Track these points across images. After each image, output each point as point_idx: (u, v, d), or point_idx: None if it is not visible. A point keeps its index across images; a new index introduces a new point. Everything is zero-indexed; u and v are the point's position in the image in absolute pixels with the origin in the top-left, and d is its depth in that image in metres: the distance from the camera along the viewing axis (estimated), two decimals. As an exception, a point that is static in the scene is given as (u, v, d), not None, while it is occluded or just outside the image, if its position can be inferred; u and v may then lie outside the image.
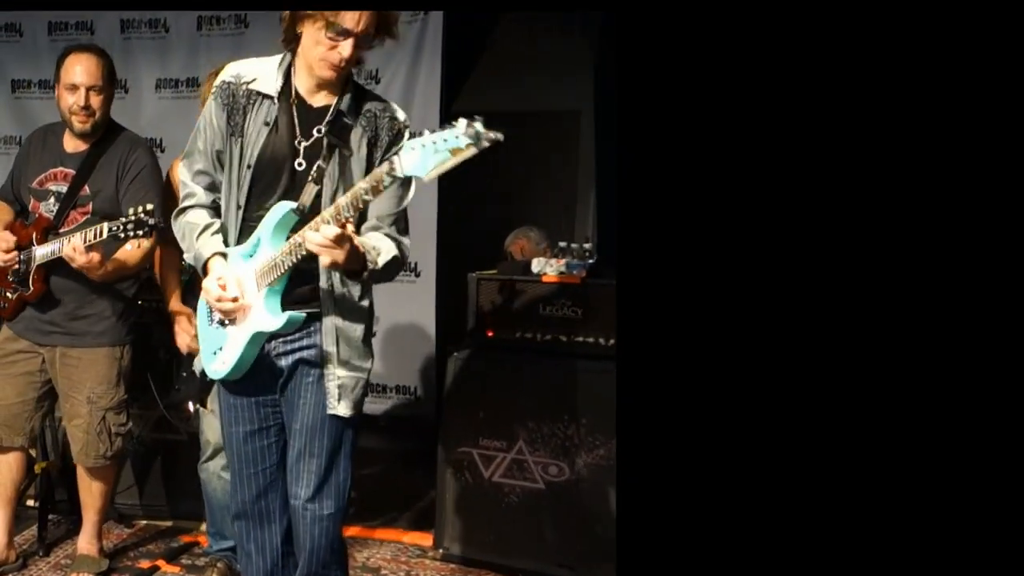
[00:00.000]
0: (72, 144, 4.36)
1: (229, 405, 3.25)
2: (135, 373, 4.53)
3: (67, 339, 4.34)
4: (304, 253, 2.90)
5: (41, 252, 4.19)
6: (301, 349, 3.15)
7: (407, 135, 2.94)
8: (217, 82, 3.21)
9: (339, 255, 2.85)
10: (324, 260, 2.88)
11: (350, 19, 2.95)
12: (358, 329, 3.16)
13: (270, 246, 3.05)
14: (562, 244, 4.90)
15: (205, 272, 3.15)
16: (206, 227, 3.22)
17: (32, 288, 4.27)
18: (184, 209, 3.30)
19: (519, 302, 4.78)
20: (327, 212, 2.86)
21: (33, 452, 4.71)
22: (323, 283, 3.09)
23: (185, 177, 3.27)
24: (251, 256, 3.11)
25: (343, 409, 3.15)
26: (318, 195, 3.03)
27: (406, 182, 3.06)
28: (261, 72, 3.18)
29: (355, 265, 2.94)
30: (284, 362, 3.17)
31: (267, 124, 3.12)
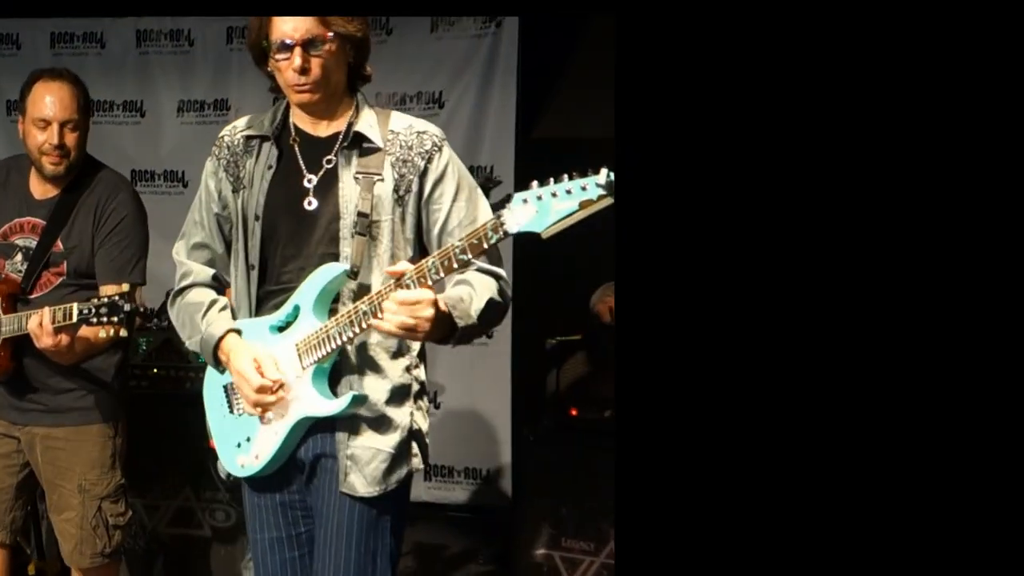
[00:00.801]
0: (40, 189, 4.23)
1: (253, 506, 3.21)
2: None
3: (49, 418, 4.21)
4: (366, 326, 2.87)
5: (7, 325, 4.05)
6: (318, 429, 3.09)
7: (444, 147, 3.09)
8: (216, 141, 3.26)
9: (421, 327, 2.79)
10: (400, 335, 2.83)
11: (286, 30, 2.96)
12: (382, 390, 3.03)
13: (314, 315, 3.00)
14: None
15: (218, 357, 3.15)
16: (212, 303, 3.21)
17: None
18: (181, 291, 3.30)
19: (609, 375, 4.64)
20: (403, 268, 2.81)
21: (28, 550, 4.70)
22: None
23: (180, 255, 3.31)
24: (283, 329, 3.08)
25: (355, 486, 3.03)
26: (369, 246, 3.02)
27: (474, 189, 3.11)
28: (257, 118, 3.23)
29: (443, 332, 2.88)
30: (303, 450, 3.13)
31: (270, 167, 3.14)
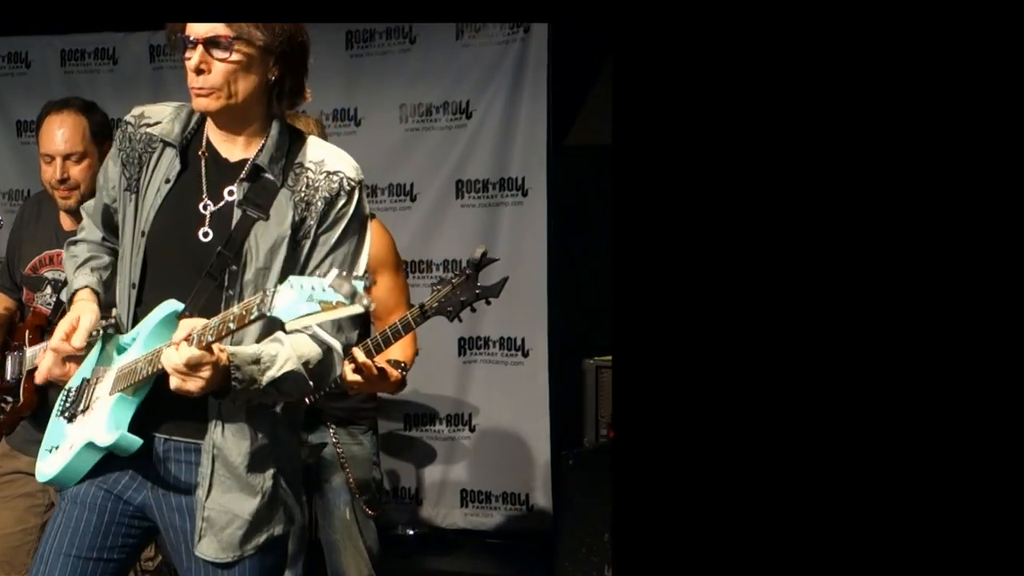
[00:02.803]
0: (68, 221, 4.13)
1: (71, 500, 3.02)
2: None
3: None
4: (160, 367, 2.76)
5: (31, 356, 3.99)
6: (185, 460, 2.94)
7: (353, 195, 2.89)
8: (121, 125, 3.09)
9: (193, 384, 2.68)
10: (173, 383, 2.69)
11: (195, 26, 2.83)
12: (240, 454, 2.88)
13: (143, 348, 2.90)
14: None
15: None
16: (87, 260, 3.13)
17: (23, 400, 4.06)
18: (72, 243, 3.22)
19: None
20: (193, 325, 2.70)
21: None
22: (210, 401, 2.86)
23: (86, 209, 3.22)
24: (124, 351, 2.99)
25: (207, 549, 2.88)
26: (221, 289, 2.87)
27: (342, 238, 2.92)
28: (170, 116, 3.03)
29: (216, 390, 2.74)
30: (163, 499, 2.97)
31: (168, 181, 2.95)
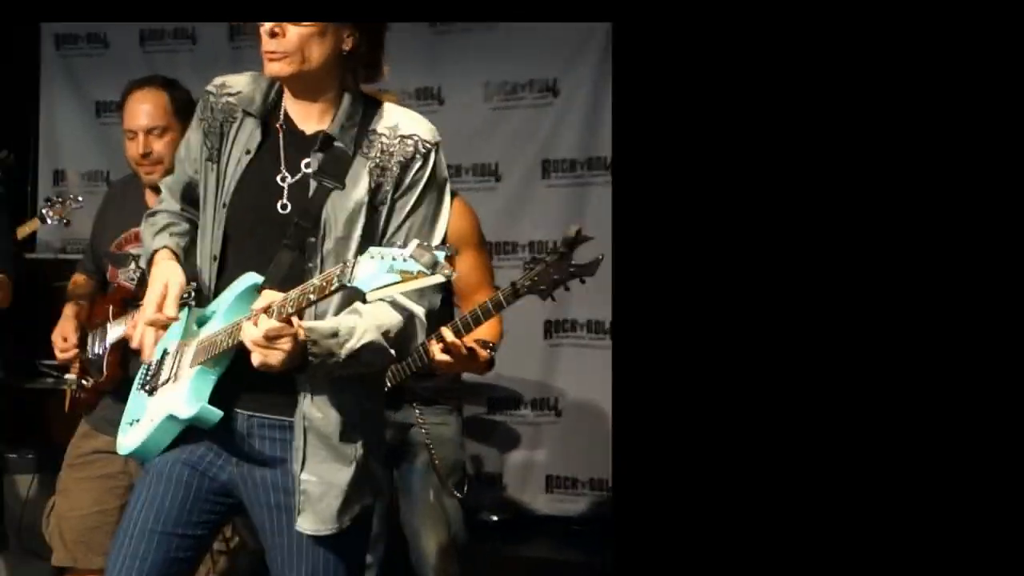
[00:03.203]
0: (154, 200, 4.07)
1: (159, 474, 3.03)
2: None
3: None
4: (240, 338, 2.80)
5: (114, 331, 4.04)
6: (269, 437, 2.96)
7: (429, 158, 2.88)
8: (203, 96, 3.12)
9: (274, 358, 2.69)
10: (254, 358, 2.70)
11: None
12: (332, 424, 2.88)
13: (223, 320, 2.93)
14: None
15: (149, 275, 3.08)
16: (166, 226, 3.11)
17: (105, 374, 4.08)
18: (152, 214, 3.21)
19: None
20: (273, 299, 2.73)
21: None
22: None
23: (166, 183, 3.23)
24: (205, 323, 3.01)
25: (306, 523, 2.89)
26: (301, 260, 2.88)
27: (419, 203, 2.92)
28: (251, 85, 3.04)
29: (296, 363, 2.75)
30: (252, 471, 2.98)
31: (248, 152, 2.97)
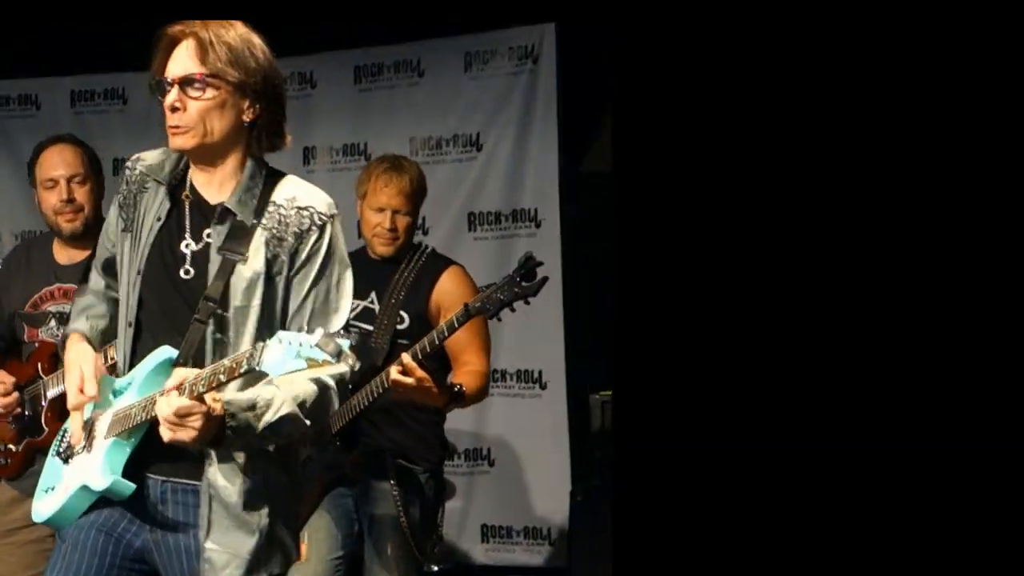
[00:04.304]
0: (65, 255, 4.26)
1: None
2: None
3: None
4: (154, 415, 2.81)
5: (53, 388, 4.05)
6: (182, 502, 2.99)
7: (325, 230, 2.94)
8: (123, 169, 3.19)
9: (187, 434, 2.73)
10: (165, 435, 2.74)
11: (172, 67, 2.93)
12: (235, 493, 2.92)
13: (138, 393, 2.95)
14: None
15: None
16: (84, 308, 3.20)
17: (47, 430, 4.06)
18: (81, 293, 3.30)
19: None
20: (186, 375, 2.76)
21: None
22: None
23: (94, 268, 3.29)
24: (120, 395, 3.03)
25: None
26: (210, 333, 2.93)
27: (321, 273, 2.98)
28: (160, 157, 3.10)
29: (210, 442, 2.80)
30: (163, 535, 3.01)
31: (159, 219, 3.02)
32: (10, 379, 4.09)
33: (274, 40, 3.89)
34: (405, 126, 6.54)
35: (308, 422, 2.91)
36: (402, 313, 4.23)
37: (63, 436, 3.16)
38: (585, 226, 6.17)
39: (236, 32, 2.97)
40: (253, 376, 2.79)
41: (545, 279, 3.94)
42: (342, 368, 2.62)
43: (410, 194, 4.22)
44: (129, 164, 3.13)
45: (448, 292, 4.23)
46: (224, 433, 2.79)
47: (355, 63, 6.66)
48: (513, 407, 6.32)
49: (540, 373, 6.23)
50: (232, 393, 2.83)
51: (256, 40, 2.99)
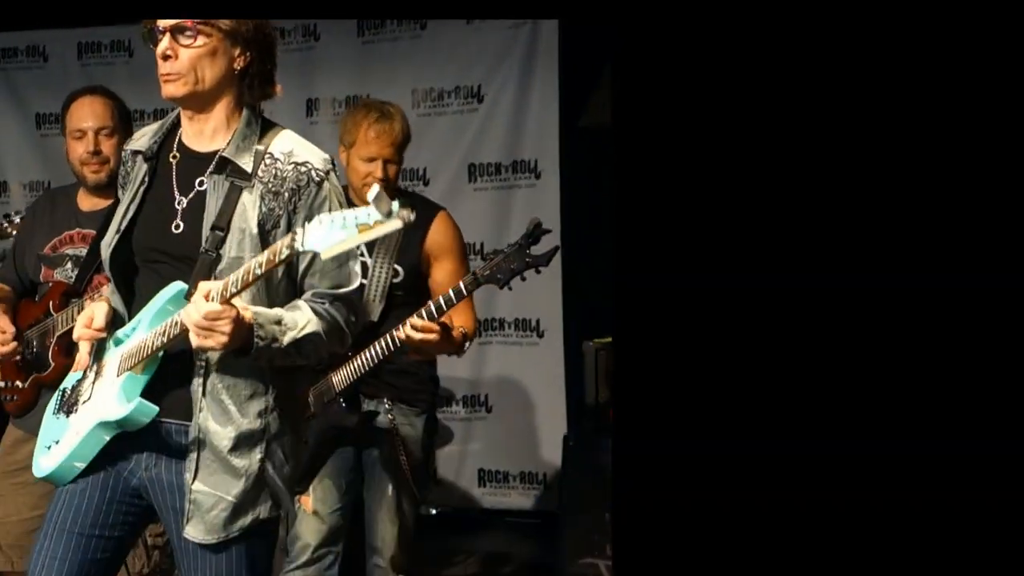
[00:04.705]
0: (88, 202, 4.30)
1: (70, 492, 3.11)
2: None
3: None
4: (176, 331, 2.86)
5: (64, 325, 4.07)
6: (176, 442, 3.02)
7: (323, 186, 2.96)
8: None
9: (217, 340, 2.78)
10: (194, 341, 2.79)
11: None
12: (226, 437, 2.95)
13: (148, 329, 2.98)
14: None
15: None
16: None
17: (53, 364, 4.11)
18: None
19: None
20: (212, 286, 2.80)
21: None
22: (195, 385, 2.97)
23: None
24: (122, 342, 3.06)
25: (194, 532, 2.97)
26: (212, 266, 2.95)
27: (344, 256, 3.00)
28: (153, 128, 3.16)
29: (238, 347, 2.84)
30: (156, 478, 3.04)
31: (143, 184, 3.07)
32: (10, 328, 4.10)
33: None
34: (407, 78, 6.57)
35: (329, 346, 2.99)
36: (396, 267, 4.22)
37: (63, 395, 3.21)
38: (584, 178, 6.22)
39: None
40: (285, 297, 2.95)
41: (557, 247, 3.95)
42: (396, 224, 2.54)
43: (401, 143, 4.20)
44: (124, 148, 3.18)
45: (438, 242, 4.22)
46: (252, 342, 2.83)
47: (358, 16, 6.65)
48: (511, 355, 6.43)
49: (538, 322, 6.31)
50: (259, 307, 2.89)
51: None
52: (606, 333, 4.98)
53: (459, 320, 4.05)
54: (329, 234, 2.59)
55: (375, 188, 2.54)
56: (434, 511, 6.59)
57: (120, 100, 4.33)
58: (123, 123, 4.24)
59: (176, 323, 2.85)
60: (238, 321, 2.78)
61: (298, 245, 2.62)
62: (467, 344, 4.13)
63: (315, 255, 2.89)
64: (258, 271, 2.72)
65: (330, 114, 6.75)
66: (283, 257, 2.68)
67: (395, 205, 2.51)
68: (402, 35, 6.59)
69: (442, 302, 3.85)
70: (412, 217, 2.54)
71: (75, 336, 3.09)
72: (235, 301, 2.80)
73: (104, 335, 3.05)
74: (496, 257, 3.87)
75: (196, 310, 2.75)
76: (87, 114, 4.20)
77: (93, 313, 3.05)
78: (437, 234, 4.23)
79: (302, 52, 6.77)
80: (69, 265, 4.20)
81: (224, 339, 2.76)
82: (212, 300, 2.76)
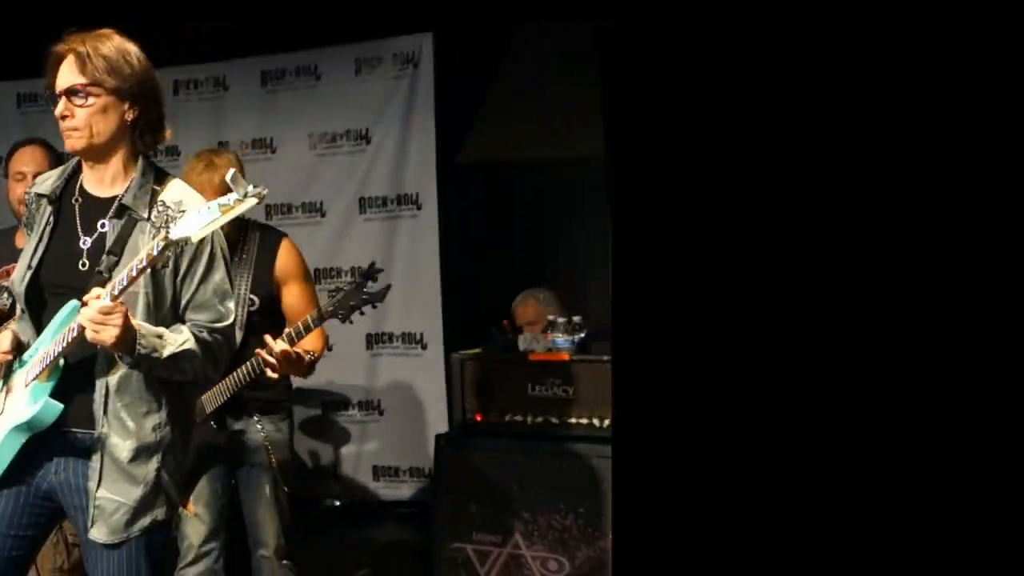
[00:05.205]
0: (24, 240, 4.43)
1: None
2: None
3: None
4: (74, 335, 2.99)
5: None
6: (80, 447, 3.16)
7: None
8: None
9: (108, 333, 2.90)
10: (90, 334, 2.92)
11: (58, 81, 3.10)
12: (125, 449, 3.12)
13: (49, 343, 3.11)
14: (550, 318, 4.97)
15: None
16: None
17: None
18: None
19: (506, 383, 4.93)
20: (102, 290, 2.94)
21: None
22: (98, 391, 3.11)
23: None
24: (27, 362, 3.19)
25: (97, 533, 3.14)
26: (104, 285, 3.04)
27: (209, 270, 3.17)
28: (56, 173, 3.30)
29: (125, 347, 2.97)
30: (62, 485, 3.21)
31: (48, 224, 3.22)
32: None
33: (190, 49, 4.05)
34: (304, 122, 6.91)
35: (203, 364, 3.13)
36: (252, 296, 4.35)
37: None
38: (459, 208, 6.62)
39: (112, 43, 3.12)
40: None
41: (388, 286, 4.27)
42: (253, 201, 2.68)
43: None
44: (28, 191, 3.32)
45: (286, 267, 4.38)
46: (135, 347, 2.94)
47: (262, 68, 6.99)
48: (399, 365, 6.78)
49: (422, 335, 6.67)
50: (145, 323, 3.02)
51: (131, 47, 3.16)
52: (476, 346, 5.19)
53: (309, 345, 4.24)
54: (196, 220, 2.73)
55: (231, 171, 2.68)
56: (337, 503, 6.92)
57: (57, 151, 4.49)
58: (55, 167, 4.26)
59: (73, 328, 2.98)
60: (127, 319, 2.91)
61: (171, 236, 2.76)
62: (314, 366, 4.29)
63: (195, 290, 3.13)
64: (140, 265, 2.86)
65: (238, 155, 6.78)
66: (159, 249, 2.80)
67: (250, 187, 2.67)
68: (300, 85, 6.88)
69: (298, 329, 4.11)
70: (265, 192, 2.69)
71: None
72: None
73: (10, 357, 3.17)
74: (337, 295, 4.19)
75: (91, 308, 2.89)
76: (28, 160, 4.50)
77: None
78: (284, 261, 4.40)
79: (213, 100, 7.05)
80: (5, 295, 4.24)
81: (115, 331, 2.89)
82: (102, 298, 2.89)
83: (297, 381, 4.68)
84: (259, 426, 4.38)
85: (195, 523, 4.39)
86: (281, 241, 4.47)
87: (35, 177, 4.01)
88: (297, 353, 4.13)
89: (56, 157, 4.55)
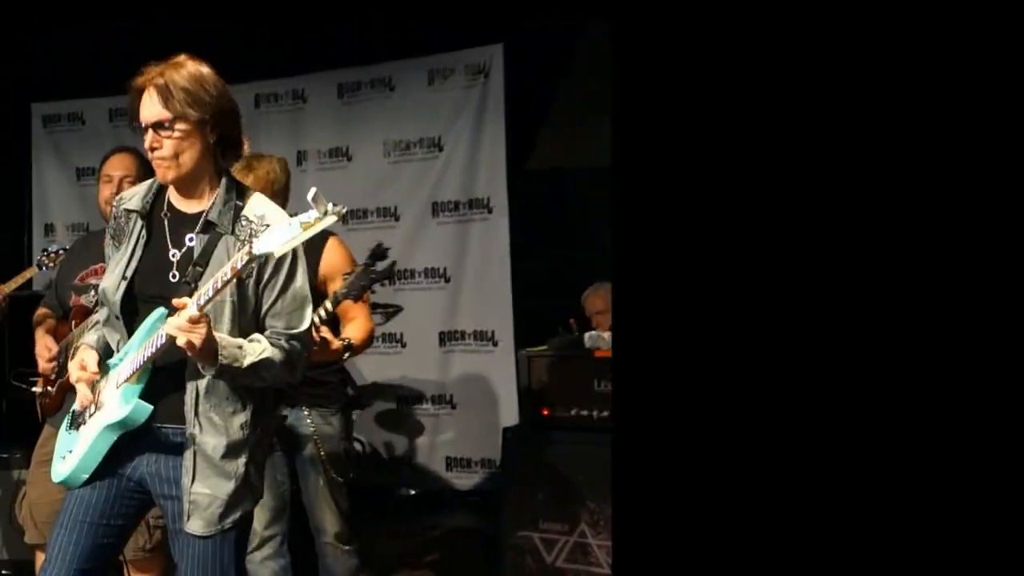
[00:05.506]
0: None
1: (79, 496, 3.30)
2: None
3: None
4: (162, 342, 3.03)
5: (78, 334, 4.22)
6: (173, 442, 3.22)
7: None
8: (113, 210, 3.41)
9: (196, 339, 2.94)
10: (179, 341, 2.95)
11: (143, 114, 3.12)
12: (218, 447, 3.18)
13: (137, 349, 3.16)
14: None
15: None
16: (94, 325, 3.42)
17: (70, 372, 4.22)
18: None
19: (573, 378, 5.03)
20: (187, 299, 2.98)
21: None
22: (188, 394, 3.16)
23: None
24: (117, 365, 3.23)
25: (194, 526, 3.19)
26: (191, 295, 3.05)
27: (289, 279, 3.20)
28: (138, 191, 3.34)
29: (208, 357, 3.01)
30: (149, 465, 3.26)
31: (141, 239, 3.25)
32: (54, 347, 4.41)
33: (274, 64, 3.98)
34: (379, 131, 7.10)
35: (283, 371, 3.15)
36: None
37: (72, 416, 3.34)
38: (528, 211, 6.78)
39: (187, 71, 3.13)
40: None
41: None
42: (332, 218, 2.69)
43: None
44: (115, 204, 3.33)
45: (331, 265, 4.35)
46: (217, 357, 2.97)
47: (339, 80, 7.20)
48: (471, 361, 6.95)
49: (493, 333, 6.83)
50: (227, 336, 3.05)
51: (205, 71, 3.18)
52: (544, 343, 5.25)
53: (350, 332, 4.27)
54: (278, 236, 2.74)
55: (313, 190, 2.67)
56: (412, 492, 7.10)
57: (145, 158, 4.25)
58: (142, 173, 4.39)
59: (161, 335, 3.00)
60: (211, 330, 2.95)
61: (255, 251, 2.77)
62: (346, 354, 4.25)
63: (275, 299, 3.14)
64: (226, 277, 2.87)
65: (316, 164, 7.26)
66: (243, 263, 2.82)
67: (330, 205, 2.67)
68: (375, 96, 7.12)
69: (321, 314, 4.06)
70: (344, 210, 2.70)
71: (73, 380, 3.25)
72: None
73: (98, 377, 3.20)
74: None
75: (179, 317, 2.90)
76: (117, 165, 4.54)
77: (84, 360, 3.21)
78: (329, 258, 4.37)
79: (293, 112, 7.29)
80: (92, 293, 4.43)
81: (201, 338, 2.91)
82: (189, 308, 2.91)
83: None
84: (308, 420, 4.42)
85: (256, 510, 4.25)
86: (328, 239, 4.43)
87: (122, 181, 4.49)
88: (323, 338, 4.12)
89: (145, 164, 4.29)
